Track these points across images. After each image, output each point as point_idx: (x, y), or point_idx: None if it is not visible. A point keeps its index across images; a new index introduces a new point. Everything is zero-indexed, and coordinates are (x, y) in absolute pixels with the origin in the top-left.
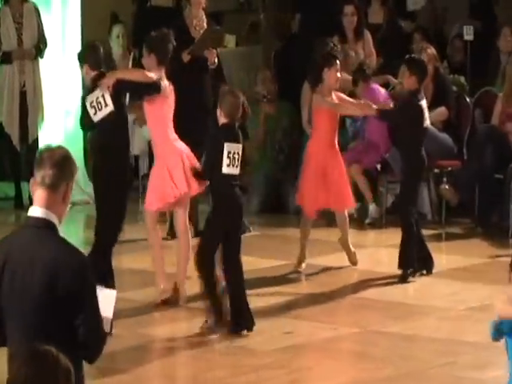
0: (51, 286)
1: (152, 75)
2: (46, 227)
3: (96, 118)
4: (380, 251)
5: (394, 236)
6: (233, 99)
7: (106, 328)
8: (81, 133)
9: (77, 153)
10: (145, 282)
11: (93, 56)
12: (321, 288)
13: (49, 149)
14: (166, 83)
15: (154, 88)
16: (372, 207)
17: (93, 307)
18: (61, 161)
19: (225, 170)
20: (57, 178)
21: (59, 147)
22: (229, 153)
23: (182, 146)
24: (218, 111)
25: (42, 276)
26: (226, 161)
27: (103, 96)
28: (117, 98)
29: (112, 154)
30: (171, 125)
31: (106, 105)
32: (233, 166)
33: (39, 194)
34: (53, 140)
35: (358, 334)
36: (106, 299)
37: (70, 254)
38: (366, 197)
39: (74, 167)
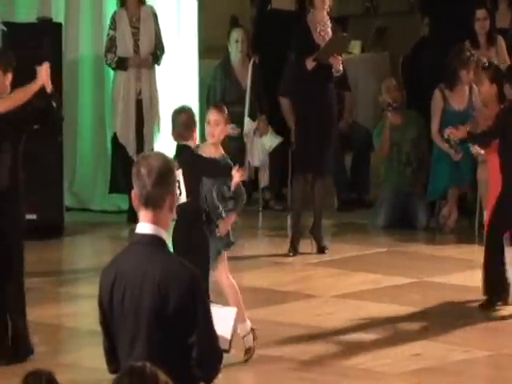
0: (162, 303)
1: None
2: (156, 243)
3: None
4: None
5: None
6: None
7: (224, 347)
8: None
9: None
10: (267, 300)
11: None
12: (450, 308)
13: (145, 158)
14: None
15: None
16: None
17: (207, 325)
18: (160, 174)
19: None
20: (160, 196)
21: (156, 155)
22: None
23: None
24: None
25: (153, 293)
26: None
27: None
28: None
29: None
30: None
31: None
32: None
33: (145, 213)
34: (169, 151)
35: (491, 357)
36: (225, 318)
37: (180, 269)
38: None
39: (173, 173)
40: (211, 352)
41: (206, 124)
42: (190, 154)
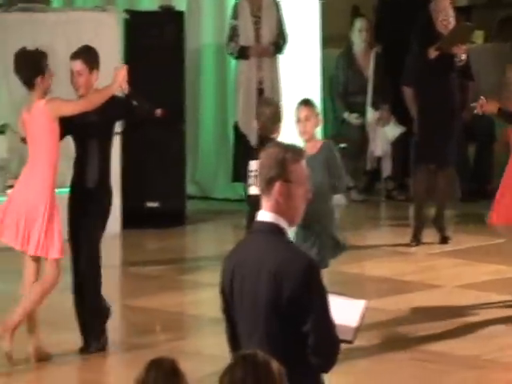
0: (277, 291)
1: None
2: (274, 232)
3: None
4: None
5: None
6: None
7: (348, 337)
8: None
9: None
10: (390, 290)
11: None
12: None
13: (266, 148)
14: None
15: None
16: None
17: (322, 313)
18: (269, 161)
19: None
20: (269, 182)
21: (275, 145)
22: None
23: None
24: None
25: (269, 281)
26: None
27: None
28: None
29: None
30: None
31: None
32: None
33: (264, 201)
34: (291, 139)
35: None
36: (353, 308)
37: (295, 257)
38: None
39: (289, 162)
40: (327, 340)
41: (296, 122)
42: None
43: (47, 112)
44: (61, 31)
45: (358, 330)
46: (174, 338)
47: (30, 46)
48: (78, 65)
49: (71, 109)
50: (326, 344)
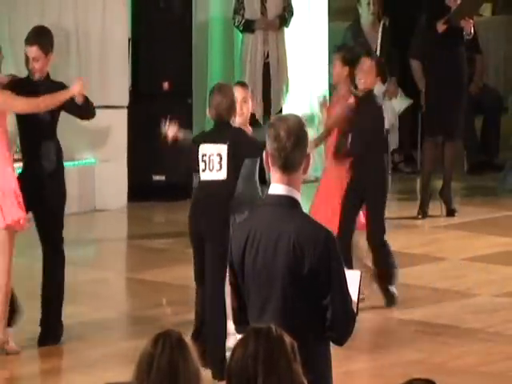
0: (297, 263)
1: None
2: (290, 204)
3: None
4: None
5: None
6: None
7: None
8: None
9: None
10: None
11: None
12: None
13: (283, 120)
14: None
15: None
16: None
17: (341, 286)
18: (299, 137)
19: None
20: (298, 158)
21: (293, 117)
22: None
23: None
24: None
25: (287, 253)
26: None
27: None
28: None
29: None
30: None
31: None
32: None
33: (280, 174)
34: (298, 112)
35: None
36: (351, 280)
37: (314, 229)
38: None
39: (308, 135)
40: (345, 314)
41: None
42: (237, 133)
43: None
44: (69, 6)
45: (358, 302)
46: (181, 311)
47: (38, 22)
48: (34, 51)
49: (20, 108)
50: (344, 318)
